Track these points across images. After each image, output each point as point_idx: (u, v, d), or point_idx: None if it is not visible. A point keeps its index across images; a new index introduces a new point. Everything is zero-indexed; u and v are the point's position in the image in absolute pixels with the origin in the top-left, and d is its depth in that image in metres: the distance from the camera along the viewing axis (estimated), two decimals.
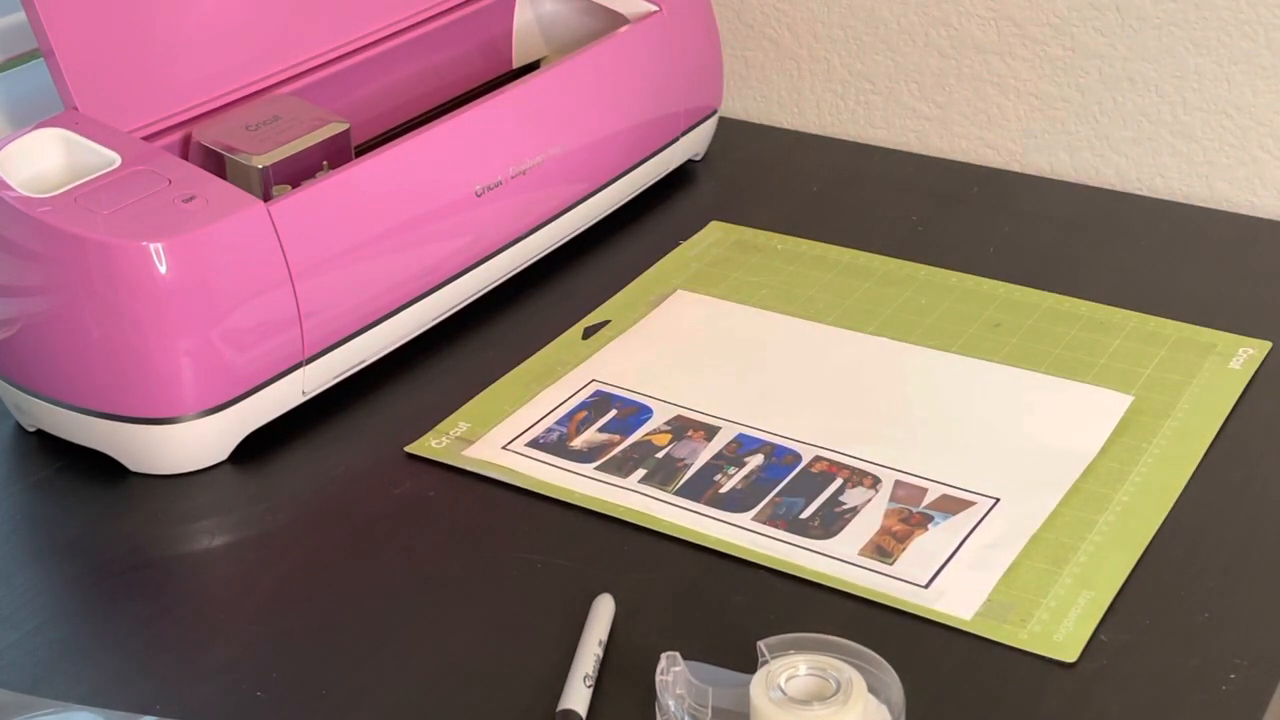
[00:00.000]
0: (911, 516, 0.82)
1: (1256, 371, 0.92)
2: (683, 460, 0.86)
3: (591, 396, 0.91)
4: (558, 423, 0.89)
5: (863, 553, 0.79)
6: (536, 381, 0.93)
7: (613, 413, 0.90)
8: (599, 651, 0.73)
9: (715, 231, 1.08)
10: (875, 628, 0.75)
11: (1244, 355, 0.93)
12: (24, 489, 0.87)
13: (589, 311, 0.99)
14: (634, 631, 0.75)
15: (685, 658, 0.68)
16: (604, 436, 0.88)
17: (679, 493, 0.84)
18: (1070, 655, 0.73)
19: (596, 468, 0.86)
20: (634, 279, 1.02)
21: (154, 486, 0.86)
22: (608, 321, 0.98)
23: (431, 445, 0.88)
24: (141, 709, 0.71)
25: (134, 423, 0.84)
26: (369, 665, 0.74)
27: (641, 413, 0.90)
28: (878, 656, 0.67)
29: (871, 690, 0.66)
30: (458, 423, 0.89)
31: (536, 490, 0.84)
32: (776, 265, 1.04)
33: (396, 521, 0.83)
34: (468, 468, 0.86)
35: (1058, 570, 0.78)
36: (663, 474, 0.85)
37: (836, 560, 0.79)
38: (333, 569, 0.81)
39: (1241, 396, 0.90)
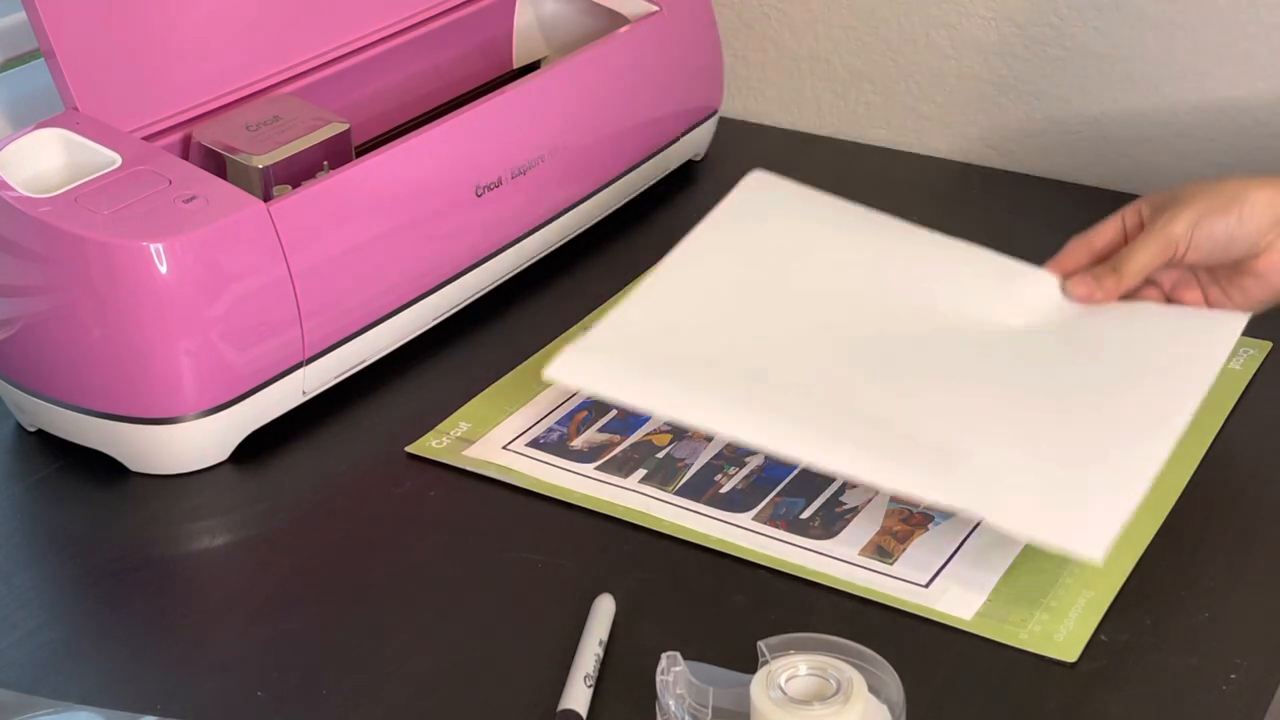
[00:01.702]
0: (912, 516, 0.82)
1: (1256, 371, 0.92)
2: (683, 460, 0.86)
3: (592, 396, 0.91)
4: (558, 423, 0.89)
5: (863, 553, 0.79)
6: (537, 381, 0.93)
7: (613, 413, 0.90)
8: (599, 651, 0.73)
9: None
10: (875, 628, 0.75)
11: (1244, 355, 0.93)
12: (24, 489, 0.87)
13: (589, 311, 0.99)
14: (634, 631, 0.75)
15: (685, 658, 0.68)
16: (604, 436, 0.88)
17: (679, 493, 0.84)
18: (1070, 655, 0.73)
19: (597, 468, 0.86)
20: (634, 279, 1.02)
21: (154, 486, 0.86)
22: None
23: (432, 445, 0.88)
24: (141, 709, 0.71)
25: (134, 423, 0.84)
26: (369, 665, 0.74)
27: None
28: (878, 656, 0.67)
29: (871, 690, 0.66)
30: (458, 423, 0.89)
31: (536, 490, 0.84)
32: None
33: (396, 521, 0.83)
34: (468, 468, 0.86)
35: (1058, 570, 0.78)
36: (663, 474, 0.85)
37: (836, 560, 0.79)
38: (333, 569, 0.81)
39: (1241, 396, 0.90)
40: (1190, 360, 0.84)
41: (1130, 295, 0.88)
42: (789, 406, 0.82)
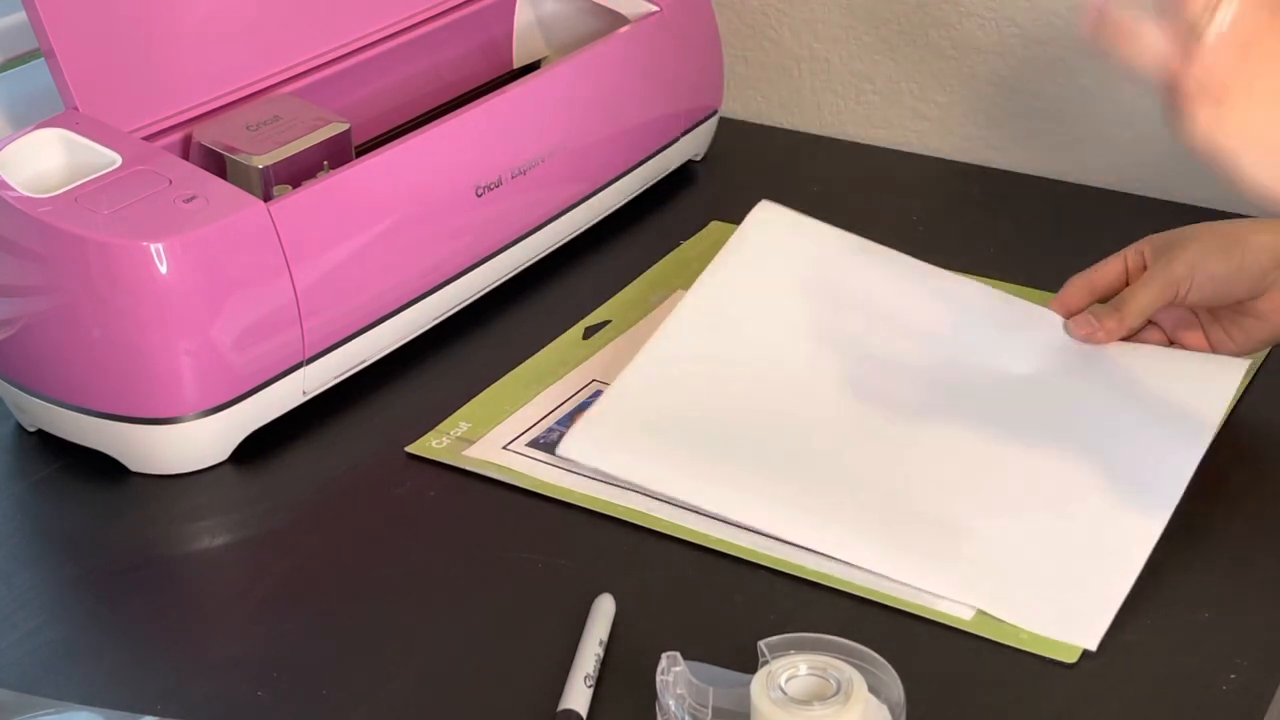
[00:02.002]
0: None
1: (1257, 371, 0.92)
2: None
3: (591, 397, 0.91)
4: (558, 423, 0.89)
5: None
6: (537, 381, 0.93)
7: None
8: (599, 651, 0.73)
9: (715, 231, 1.08)
10: (875, 628, 0.75)
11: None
12: (24, 489, 0.87)
13: (589, 311, 0.99)
14: (634, 631, 0.75)
15: (685, 658, 0.68)
16: None
17: None
18: (1070, 655, 0.73)
19: None
20: (634, 279, 1.02)
21: (154, 486, 0.86)
22: (608, 321, 0.98)
23: (432, 445, 0.88)
24: (141, 709, 0.71)
25: (134, 423, 0.84)
26: (369, 665, 0.74)
27: None
28: (878, 656, 0.67)
29: (871, 690, 0.66)
30: (458, 423, 0.89)
31: (536, 490, 0.84)
32: None
33: (396, 521, 0.83)
34: (468, 468, 0.86)
35: None
36: None
37: (836, 560, 0.79)
38: (333, 569, 0.81)
39: (1242, 396, 0.90)
40: (1188, 417, 0.84)
41: (1132, 335, 0.89)
42: (791, 486, 0.82)
